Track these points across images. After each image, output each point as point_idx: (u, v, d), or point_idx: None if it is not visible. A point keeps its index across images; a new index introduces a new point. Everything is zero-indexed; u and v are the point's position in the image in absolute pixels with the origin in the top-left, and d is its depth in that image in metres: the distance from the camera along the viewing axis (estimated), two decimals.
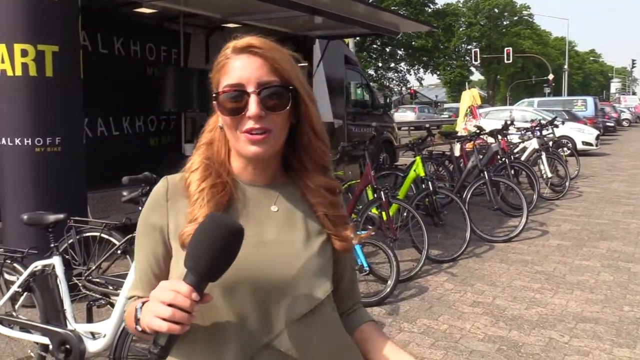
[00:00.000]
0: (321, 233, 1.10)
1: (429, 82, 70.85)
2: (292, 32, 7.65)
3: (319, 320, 1.05)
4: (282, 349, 1.00)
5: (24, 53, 3.82)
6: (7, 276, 3.12)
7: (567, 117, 16.89)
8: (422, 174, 5.63)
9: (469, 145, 8.41)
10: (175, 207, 1.05)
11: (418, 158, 5.71)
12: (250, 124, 1.00)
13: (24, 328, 2.92)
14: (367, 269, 4.18)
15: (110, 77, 6.03)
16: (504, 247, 5.79)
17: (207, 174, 1.05)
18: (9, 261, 2.94)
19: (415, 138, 7.04)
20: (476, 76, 62.94)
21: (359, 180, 5.54)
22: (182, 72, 7.02)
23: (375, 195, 4.95)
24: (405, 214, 5.30)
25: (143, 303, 0.94)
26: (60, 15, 3.94)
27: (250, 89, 1.00)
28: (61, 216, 2.87)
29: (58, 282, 2.82)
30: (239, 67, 1.01)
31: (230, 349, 0.99)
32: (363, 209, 4.85)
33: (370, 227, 5.38)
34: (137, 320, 0.95)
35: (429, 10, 39.65)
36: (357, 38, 29.31)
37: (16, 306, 3.00)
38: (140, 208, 2.82)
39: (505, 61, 36.66)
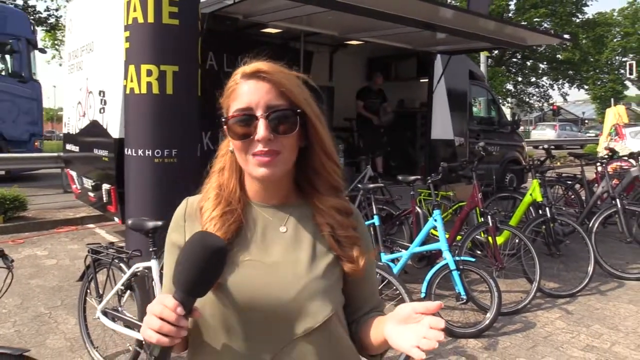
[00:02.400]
0: (327, 254, 1.09)
1: (576, 97, 65.56)
2: (413, 47, 7.58)
3: (320, 342, 1.05)
4: None
5: (149, 73, 4.23)
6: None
7: None
8: (539, 198, 5.19)
9: (612, 168, 7.59)
10: (191, 227, 1.10)
11: (535, 181, 5.27)
12: (259, 147, 1.02)
13: (126, 323, 3.20)
14: (465, 297, 3.94)
15: None
16: (637, 285, 5.11)
17: (217, 202, 1.09)
18: (117, 261, 3.24)
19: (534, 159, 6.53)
20: (632, 91, 56.76)
21: None
22: None
23: (483, 219, 4.67)
24: (517, 241, 4.92)
25: None
26: (181, 38, 4.30)
27: (258, 112, 1.02)
28: (159, 223, 3.10)
29: (153, 284, 3.06)
30: (247, 91, 1.04)
31: None
32: (467, 233, 4.59)
33: (479, 252, 5.10)
34: None
35: (577, 20, 36.69)
36: (494, 52, 28.13)
37: (122, 302, 3.31)
38: None
39: None
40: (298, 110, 1.04)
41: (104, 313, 3.28)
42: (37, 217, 7.83)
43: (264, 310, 1.01)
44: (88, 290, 3.54)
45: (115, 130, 5.33)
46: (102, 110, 5.67)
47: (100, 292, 3.36)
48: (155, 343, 0.88)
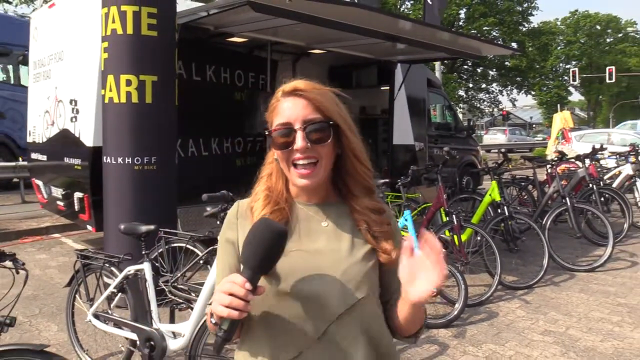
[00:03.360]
0: (364, 245, 1.26)
1: (524, 103, 68.00)
2: (375, 57, 7.89)
3: (360, 318, 1.21)
4: (329, 342, 1.18)
5: (128, 83, 4.35)
6: (105, 279, 3.56)
7: None
8: (498, 198, 5.58)
9: (560, 169, 8.13)
10: (243, 226, 1.27)
11: (494, 182, 5.67)
12: (297, 155, 1.20)
13: (117, 324, 3.32)
14: (435, 291, 4.22)
15: (202, 102, 6.56)
16: (586, 276, 5.56)
17: (267, 202, 1.26)
18: (107, 265, 3.35)
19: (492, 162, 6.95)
20: (576, 96, 59.66)
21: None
22: (269, 96, 7.44)
23: (448, 219, 5.00)
24: (479, 238, 5.28)
25: None
26: (159, 48, 4.44)
27: (297, 126, 1.20)
28: (152, 227, 3.24)
29: (147, 285, 3.19)
30: (287, 108, 1.22)
31: (284, 343, 1.19)
32: (434, 232, 4.90)
33: (444, 250, 5.41)
34: (212, 315, 1.16)
35: (524, 29, 38.33)
36: (446, 61, 29.06)
37: (112, 305, 3.42)
38: (218, 222, 3.13)
39: (608, 80, 34.53)
40: (331, 123, 1.22)
41: (96, 316, 3.38)
42: None
43: (310, 292, 1.18)
44: (76, 295, 3.62)
45: (88, 138, 5.38)
46: (73, 119, 5.69)
47: (91, 296, 3.45)
48: (226, 317, 1.04)
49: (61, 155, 6.06)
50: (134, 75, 4.36)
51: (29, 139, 7.29)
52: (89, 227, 5.85)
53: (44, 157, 6.74)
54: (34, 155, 7.15)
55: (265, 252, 1.07)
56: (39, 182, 7.15)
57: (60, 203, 6.38)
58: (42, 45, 6.68)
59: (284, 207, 1.26)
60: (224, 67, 7.25)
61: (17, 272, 2.34)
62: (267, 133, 1.25)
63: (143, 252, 3.22)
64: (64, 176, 6.21)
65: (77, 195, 5.75)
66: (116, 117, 4.46)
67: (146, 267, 3.19)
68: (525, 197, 8.00)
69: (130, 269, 3.26)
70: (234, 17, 5.25)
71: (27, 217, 8.51)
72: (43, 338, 4.04)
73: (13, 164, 10.25)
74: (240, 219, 1.28)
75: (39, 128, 6.81)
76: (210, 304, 1.30)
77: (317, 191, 1.28)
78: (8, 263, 2.31)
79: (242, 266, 1.10)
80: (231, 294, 1.04)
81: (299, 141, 1.19)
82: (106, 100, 4.48)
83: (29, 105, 7.26)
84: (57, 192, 6.41)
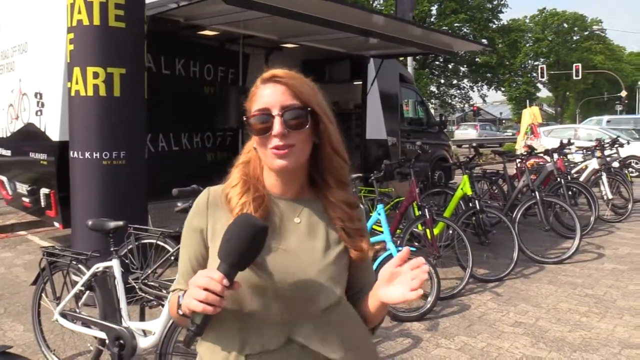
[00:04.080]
0: (338, 243, 1.25)
1: (494, 99, 69.20)
2: (347, 51, 7.88)
3: (334, 318, 1.21)
4: (301, 342, 1.17)
5: (95, 75, 4.23)
6: (73, 277, 3.46)
7: (638, 137, 16.13)
8: (469, 192, 5.64)
9: (529, 164, 8.28)
10: (214, 215, 1.24)
11: (465, 177, 5.72)
12: (275, 141, 1.18)
13: (85, 323, 3.23)
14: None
15: (171, 96, 6.44)
16: (555, 269, 5.67)
17: (246, 188, 1.23)
18: (75, 262, 3.26)
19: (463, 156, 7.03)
20: (544, 93, 60.87)
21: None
22: (240, 90, 7.37)
23: (420, 213, 5.03)
24: (451, 231, 5.33)
25: (184, 292, 1.12)
26: (127, 40, 4.33)
27: (275, 112, 1.18)
28: (120, 223, 3.17)
29: (116, 283, 3.11)
30: (265, 94, 1.20)
31: (252, 339, 1.17)
32: (407, 226, 4.92)
33: (416, 243, 5.45)
34: (179, 307, 1.14)
35: (494, 26, 38.93)
36: (419, 56, 29.26)
37: (79, 303, 3.33)
38: None
39: (574, 77, 35.37)
40: (309, 109, 1.20)
41: (63, 315, 3.29)
42: None
43: (284, 292, 1.16)
44: (42, 294, 3.51)
45: (54, 133, 5.22)
46: (39, 113, 5.52)
47: (58, 294, 3.35)
48: (201, 311, 1.01)
49: (26, 150, 5.88)
50: (102, 68, 4.24)
51: None
52: (56, 224, 5.69)
53: (8, 152, 6.53)
54: None
55: (245, 248, 1.05)
56: (3, 178, 6.93)
57: (26, 199, 6.20)
58: (5, 37, 6.46)
59: (263, 194, 1.23)
60: (194, 60, 7.13)
61: None
62: (245, 119, 1.23)
63: (112, 249, 3.14)
64: (29, 172, 6.03)
65: (44, 191, 5.59)
66: (83, 110, 4.34)
67: (115, 264, 3.11)
68: (496, 191, 8.11)
69: (99, 266, 3.17)
70: (205, 9, 5.16)
71: None
72: (8, 339, 3.92)
73: None
74: (211, 208, 1.25)
75: (2, 122, 6.59)
76: (173, 292, 1.27)
77: (292, 182, 1.25)
78: None
79: (216, 261, 1.07)
80: (207, 289, 1.02)
81: (277, 126, 1.17)
82: (72, 93, 4.36)
83: None
84: (23, 188, 6.22)
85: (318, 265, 1.20)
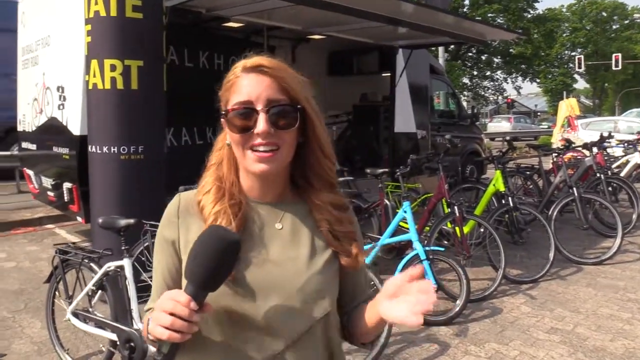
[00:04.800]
0: (326, 249, 1.11)
1: (529, 90, 67.54)
2: (375, 42, 7.64)
3: (322, 335, 1.09)
4: None
5: (113, 68, 4.12)
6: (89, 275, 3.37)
7: None
8: (502, 188, 5.35)
9: (566, 158, 7.89)
10: (185, 223, 1.09)
11: (498, 172, 5.44)
12: (258, 141, 1.02)
13: (98, 324, 3.13)
14: (436, 286, 4.04)
15: (195, 89, 6.31)
16: (594, 270, 5.34)
17: (220, 195, 1.08)
18: (86, 261, 3.16)
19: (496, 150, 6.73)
20: (581, 84, 59.05)
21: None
22: None
23: (450, 210, 4.78)
24: (482, 230, 5.07)
25: None
26: (145, 32, 4.21)
27: (259, 106, 1.02)
28: (131, 221, 3.04)
29: (127, 283, 3.00)
30: (248, 85, 1.03)
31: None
32: (435, 224, 4.69)
33: (445, 242, 5.22)
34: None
35: (529, 16, 37.81)
36: (451, 47, 28.65)
37: (92, 302, 3.23)
38: None
39: (614, 68, 34.07)
40: (298, 106, 1.04)
41: (75, 314, 3.19)
42: None
43: (265, 307, 1.02)
44: (56, 292, 3.44)
45: (76, 126, 5.16)
46: (61, 107, 5.48)
47: (70, 293, 3.26)
48: (167, 339, 0.87)
49: (50, 144, 5.86)
50: (119, 60, 4.13)
51: (20, 128, 7.09)
52: (79, 219, 5.66)
53: (34, 147, 6.54)
54: (24, 145, 6.95)
55: (214, 266, 0.89)
56: (30, 172, 6.97)
57: (51, 194, 6.19)
58: (30, 31, 6.45)
59: (241, 200, 1.07)
60: (218, 53, 7.00)
61: None
62: (222, 113, 1.06)
63: (122, 248, 3.02)
64: (53, 166, 6.01)
65: (66, 185, 5.56)
66: (101, 104, 4.24)
67: (126, 264, 3.00)
68: (531, 186, 7.77)
69: (110, 265, 3.07)
70: None
71: (21, 208, 8.33)
72: (25, 335, 3.87)
73: (7, 152, 10.06)
74: (182, 217, 1.10)
75: (28, 116, 6.61)
76: (147, 311, 1.12)
77: (273, 186, 1.10)
78: None
79: (185, 280, 0.91)
80: (172, 314, 0.86)
81: (261, 124, 1.01)
82: (90, 87, 4.26)
83: (19, 93, 7.05)
84: (47, 182, 6.22)
85: (303, 276, 1.06)
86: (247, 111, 1.02)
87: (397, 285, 0.96)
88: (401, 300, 0.94)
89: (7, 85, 11.15)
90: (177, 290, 0.91)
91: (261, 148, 1.02)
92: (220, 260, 0.89)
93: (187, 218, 1.09)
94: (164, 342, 0.89)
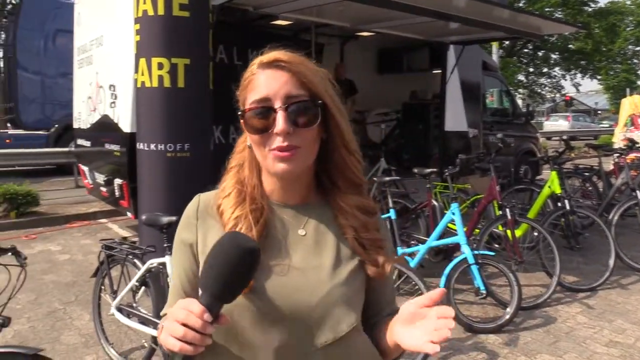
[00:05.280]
0: (352, 258, 1.04)
1: (588, 87, 64.76)
2: (425, 38, 7.46)
3: (344, 352, 1.01)
4: None
5: (160, 66, 4.17)
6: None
7: None
8: (558, 190, 5.08)
9: (629, 159, 7.45)
10: (204, 225, 1.05)
11: (553, 173, 5.17)
12: (278, 141, 0.96)
13: (140, 320, 3.16)
14: (484, 291, 3.87)
15: None
16: None
17: (240, 199, 1.03)
18: (131, 257, 3.19)
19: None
20: None
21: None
22: None
23: (501, 212, 4.58)
24: (536, 234, 4.83)
25: None
26: (192, 31, 4.24)
27: (277, 104, 0.96)
28: (174, 218, 3.04)
29: (168, 280, 3.00)
30: (265, 81, 0.98)
31: None
32: (485, 227, 4.50)
33: (496, 245, 5.01)
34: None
35: (589, 9, 36.16)
36: (506, 42, 27.77)
37: (136, 298, 3.26)
38: None
39: None
40: (319, 102, 0.98)
41: (119, 309, 3.24)
42: (49, 212, 7.84)
43: (286, 319, 0.96)
44: (102, 287, 3.50)
45: (126, 124, 5.29)
46: (112, 105, 5.62)
47: (115, 288, 3.32)
48: (178, 351, 0.81)
49: (102, 141, 6.04)
50: (166, 58, 4.17)
51: (75, 125, 7.35)
52: (129, 214, 5.80)
53: (88, 143, 6.76)
54: (79, 142, 7.22)
55: (231, 276, 0.82)
56: (85, 168, 7.22)
57: (103, 189, 6.39)
58: (84, 31, 6.66)
59: (263, 204, 1.01)
60: (273, 49, 7.01)
61: (22, 267, 2.17)
62: (239, 113, 1.00)
63: (165, 245, 3.03)
64: (105, 162, 6.19)
65: (117, 181, 5.71)
66: (148, 102, 4.31)
67: (167, 261, 3.01)
68: (589, 189, 7.37)
69: (153, 262, 3.09)
70: None
71: (77, 202, 8.65)
72: (74, 327, 3.98)
73: (66, 149, 10.48)
74: (201, 219, 1.05)
75: (83, 114, 6.84)
76: (163, 316, 1.07)
77: (296, 188, 1.04)
78: (6, 258, 2.11)
79: (200, 290, 0.85)
80: (185, 325, 0.80)
81: (280, 123, 0.94)
82: (139, 85, 4.34)
83: (74, 92, 7.30)
84: (100, 178, 6.42)
85: (326, 286, 0.99)
86: (265, 110, 0.97)
87: (414, 309, 0.89)
88: (418, 326, 0.87)
89: (65, 84, 11.73)
90: (191, 299, 0.85)
91: (282, 148, 0.96)
92: (237, 270, 0.83)
93: (206, 220, 1.05)
94: (175, 355, 0.83)
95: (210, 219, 1.04)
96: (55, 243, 6.49)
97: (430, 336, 0.83)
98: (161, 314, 1.12)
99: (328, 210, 1.06)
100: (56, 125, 11.80)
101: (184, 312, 0.81)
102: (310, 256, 1.01)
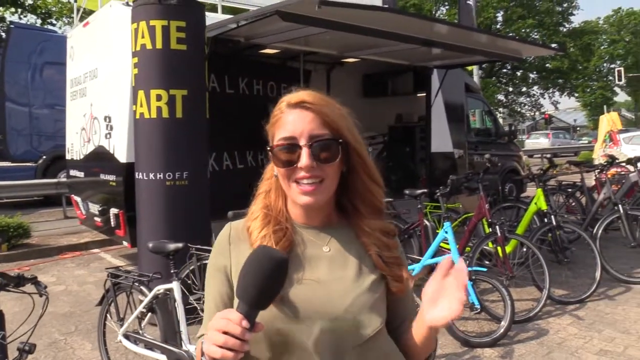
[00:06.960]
0: (373, 272, 1.14)
1: (567, 105, 66.08)
2: (410, 63, 7.70)
3: (371, 354, 1.10)
4: None
5: (159, 98, 4.30)
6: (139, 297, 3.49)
7: None
8: (544, 207, 5.27)
9: (610, 174, 7.70)
10: (237, 249, 1.15)
11: (539, 190, 5.36)
12: (302, 174, 1.08)
13: (148, 346, 3.23)
14: (479, 307, 4.00)
15: (235, 115, 6.49)
16: None
17: (267, 221, 1.14)
18: (137, 284, 3.27)
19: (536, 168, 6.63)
20: (622, 97, 57.45)
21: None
22: None
23: (491, 230, 4.74)
24: (525, 249, 4.99)
25: None
26: (189, 63, 4.39)
27: (302, 142, 1.08)
28: (180, 245, 3.15)
29: (176, 305, 3.09)
30: (291, 121, 1.10)
31: None
32: (477, 244, 4.65)
33: (487, 262, 5.15)
34: (203, 354, 1.03)
35: (564, 30, 37.19)
36: (485, 64, 28.45)
37: (142, 325, 3.34)
38: None
39: None
40: (340, 140, 1.10)
41: (126, 336, 3.30)
42: (41, 243, 7.83)
43: (313, 326, 1.05)
44: (107, 314, 3.56)
45: (122, 154, 5.38)
46: (108, 136, 5.72)
47: (121, 315, 3.38)
48: (220, 358, 0.90)
49: (97, 171, 6.11)
50: (164, 90, 4.31)
51: (68, 156, 7.41)
52: (125, 243, 5.85)
53: (82, 174, 6.82)
54: (72, 172, 7.26)
55: (264, 284, 0.93)
56: (78, 199, 7.24)
57: (98, 219, 6.43)
58: (78, 64, 6.78)
59: (287, 226, 1.13)
60: (257, 79, 7.18)
61: (41, 296, 2.25)
62: (268, 148, 1.13)
63: (172, 271, 3.12)
64: (100, 192, 6.25)
65: (113, 211, 5.76)
66: (147, 132, 4.43)
67: (175, 287, 3.10)
68: (573, 204, 7.59)
69: (160, 289, 3.18)
70: (264, 27, 5.17)
71: (68, 233, 8.65)
72: (76, 357, 4.01)
73: (55, 180, 10.48)
74: (234, 244, 1.15)
75: (76, 145, 6.91)
76: (200, 337, 1.17)
77: (319, 212, 1.15)
78: (29, 287, 2.20)
79: (237, 300, 0.96)
80: (226, 332, 0.90)
81: (304, 159, 1.07)
82: (137, 116, 4.46)
83: (67, 123, 7.38)
84: (94, 208, 6.46)
85: (351, 295, 1.09)
86: (291, 147, 1.08)
87: (434, 290, 1.01)
88: (440, 300, 1.00)
89: (52, 116, 11.78)
90: (230, 309, 0.96)
91: (305, 181, 1.08)
92: (269, 278, 0.93)
93: (239, 245, 1.15)
94: None
95: (242, 244, 1.14)
96: (49, 274, 6.49)
97: (456, 297, 0.96)
98: (197, 335, 1.22)
99: (350, 231, 1.17)
100: (44, 157, 11.82)
101: (224, 321, 0.91)
102: (335, 269, 1.12)
